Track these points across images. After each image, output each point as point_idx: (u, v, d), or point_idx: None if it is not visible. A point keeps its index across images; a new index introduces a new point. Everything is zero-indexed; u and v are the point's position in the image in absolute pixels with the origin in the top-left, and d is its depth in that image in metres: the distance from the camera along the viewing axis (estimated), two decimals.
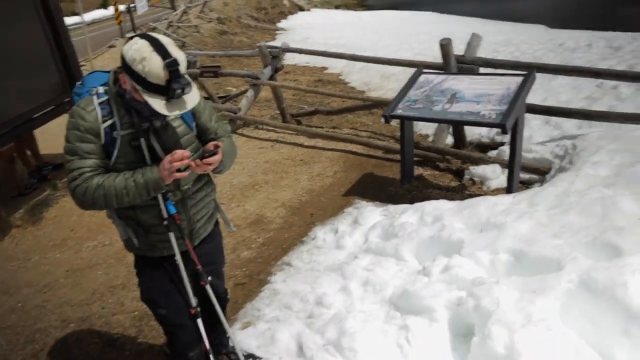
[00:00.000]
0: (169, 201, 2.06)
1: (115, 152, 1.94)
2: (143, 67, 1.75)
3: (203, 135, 2.25)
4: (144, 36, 1.82)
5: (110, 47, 16.23)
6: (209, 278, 2.28)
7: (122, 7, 19.58)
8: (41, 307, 3.75)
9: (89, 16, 26.98)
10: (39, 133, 6.41)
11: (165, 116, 1.94)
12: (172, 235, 2.09)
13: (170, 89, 1.77)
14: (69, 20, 6.48)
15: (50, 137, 7.30)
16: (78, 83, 2.15)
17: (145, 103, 1.82)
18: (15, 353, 3.29)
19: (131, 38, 1.84)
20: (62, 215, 5.31)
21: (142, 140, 1.94)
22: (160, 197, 2.03)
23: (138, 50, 1.76)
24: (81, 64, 7.92)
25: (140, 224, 2.10)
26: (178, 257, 2.14)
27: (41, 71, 5.62)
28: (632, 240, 2.56)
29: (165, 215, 2.05)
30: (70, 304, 3.74)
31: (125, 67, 1.80)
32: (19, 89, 5.25)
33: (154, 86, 1.78)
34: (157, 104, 1.80)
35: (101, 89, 1.96)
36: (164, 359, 3.02)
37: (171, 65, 1.76)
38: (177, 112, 1.83)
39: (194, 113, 2.16)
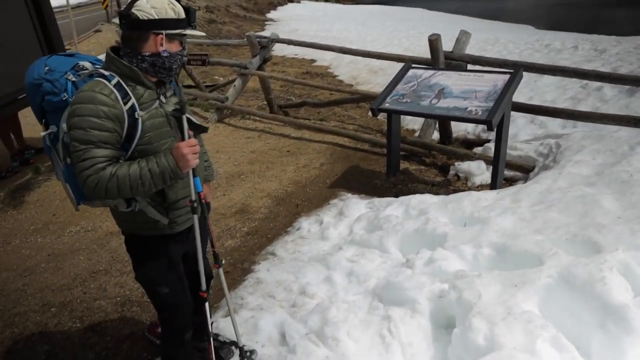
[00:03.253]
0: (197, 178, 2.05)
1: (138, 134, 1.89)
2: (155, 10, 1.83)
3: None
4: None
5: (96, 31, 15.94)
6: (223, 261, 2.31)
7: None
8: (21, 291, 3.70)
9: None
10: (22, 116, 6.30)
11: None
12: (195, 217, 2.09)
13: (187, 11, 1.90)
14: (54, 2, 6.35)
15: (34, 121, 7.19)
16: (46, 68, 2.04)
17: (178, 44, 1.93)
18: None
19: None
20: (45, 199, 5.24)
21: (185, 117, 1.97)
22: (190, 173, 2.01)
23: (142, 7, 1.84)
24: (66, 47, 7.80)
25: (166, 201, 2.06)
26: (197, 235, 2.13)
27: (26, 53, 5.51)
28: (610, 237, 2.62)
29: (193, 195, 2.04)
30: (51, 288, 3.70)
31: (141, 24, 1.84)
32: (3, 70, 5.14)
33: (173, 21, 1.87)
34: (184, 32, 1.92)
35: (105, 72, 1.87)
36: (146, 344, 3.01)
37: None
38: (203, 33, 2.06)
39: None
